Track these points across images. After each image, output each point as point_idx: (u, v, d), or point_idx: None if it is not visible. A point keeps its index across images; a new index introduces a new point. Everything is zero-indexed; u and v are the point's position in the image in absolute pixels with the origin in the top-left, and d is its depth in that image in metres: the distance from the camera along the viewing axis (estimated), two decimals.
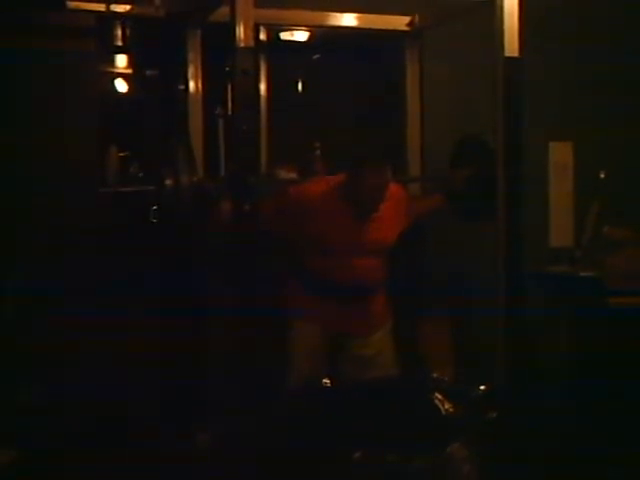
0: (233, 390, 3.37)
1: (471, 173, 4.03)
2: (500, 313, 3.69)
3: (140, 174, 4.76)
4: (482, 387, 3.34)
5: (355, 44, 4.89)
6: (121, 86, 5.17)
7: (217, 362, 4.01)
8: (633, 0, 4.75)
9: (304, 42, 5.04)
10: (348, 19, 4.35)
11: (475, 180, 4.00)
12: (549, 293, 4.31)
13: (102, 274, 3.96)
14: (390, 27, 4.45)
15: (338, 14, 4.34)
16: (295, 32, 4.96)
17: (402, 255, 3.93)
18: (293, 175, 4.63)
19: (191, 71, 4.17)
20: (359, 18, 4.36)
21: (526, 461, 3.44)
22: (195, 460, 3.52)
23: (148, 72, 5.26)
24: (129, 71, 5.20)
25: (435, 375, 3.55)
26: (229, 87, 4.57)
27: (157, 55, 5.09)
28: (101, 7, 3.99)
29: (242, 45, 3.28)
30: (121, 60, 5.16)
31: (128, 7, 4.09)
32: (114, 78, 5.14)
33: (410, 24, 4.42)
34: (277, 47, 4.98)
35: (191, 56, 4.16)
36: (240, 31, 3.27)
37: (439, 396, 3.21)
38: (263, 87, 4.95)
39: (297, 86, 5.35)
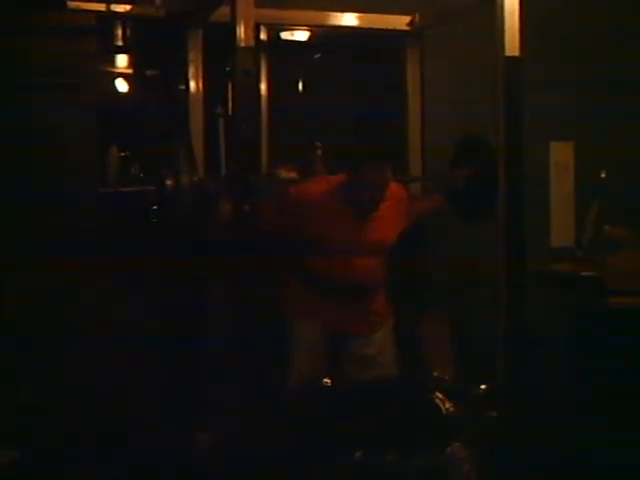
0: (233, 390, 3.37)
1: (471, 173, 4.03)
2: (501, 312, 3.69)
3: (141, 174, 4.75)
4: (482, 386, 3.35)
5: (355, 44, 4.89)
6: (121, 86, 5.18)
7: (217, 361, 4.00)
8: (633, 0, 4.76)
9: (305, 42, 5.04)
10: (349, 19, 4.36)
11: (476, 180, 4.00)
12: (550, 293, 4.31)
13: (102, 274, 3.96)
14: (390, 27, 4.46)
15: (339, 14, 4.35)
16: (296, 32, 4.96)
17: (402, 255, 3.94)
18: (294, 175, 4.62)
19: (192, 71, 4.17)
20: (359, 18, 4.37)
21: (526, 461, 3.44)
22: (195, 460, 3.52)
23: (149, 72, 5.26)
24: (130, 71, 5.20)
25: (435, 374, 3.55)
26: (230, 87, 4.56)
27: (158, 55, 5.09)
28: (101, 7, 3.98)
29: (243, 45, 3.27)
30: (122, 60, 5.16)
31: (128, 7, 4.09)
32: (114, 78, 5.14)
33: (410, 24, 4.43)
34: (278, 47, 4.98)
35: (192, 56, 4.17)
36: (241, 31, 3.27)
37: (440, 395, 3.22)
38: (264, 87, 4.95)
39: (298, 86, 5.35)
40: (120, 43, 5.03)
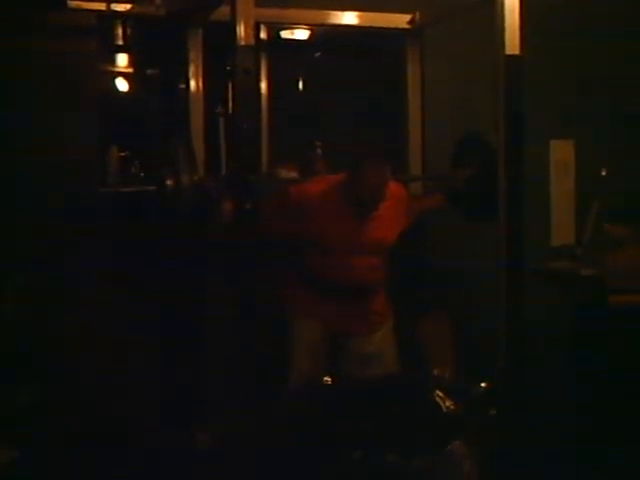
0: (233, 390, 3.38)
1: (472, 173, 4.03)
2: (501, 311, 3.69)
3: (141, 174, 4.75)
4: (482, 384, 3.34)
5: (356, 42, 4.88)
6: (122, 85, 5.18)
7: (217, 361, 4.01)
8: None
9: (305, 40, 5.03)
10: (349, 17, 4.35)
11: (476, 180, 4.00)
12: (550, 291, 4.31)
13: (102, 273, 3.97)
14: (391, 25, 4.45)
15: (339, 12, 4.34)
16: (296, 30, 4.95)
17: (402, 254, 3.94)
18: (294, 174, 4.62)
19: (192, 70, 4.17)
20: (360, 16, 4.36)
21: (526, 459, 3.44)
22: (195, 460, 3.52)
23: (149, 71, 5.26)
24: (130, 70, 5.20)
25: (436, 373, 3.55)
26: (230, 86, 4.56)
27: (158, 54, 5.09)
28: (102, 6, 3.98)
29: (243, 44, 3.28)
30: (122, 59, 5.16)
31: (129, 6, 4.09)
32: (115, 77, 5.14)
33: (411, 22, 4.42)
34: (278, 46, 4.97)
35: (192, 55, 4.17)
36: (241, 30, 3.27)
37: (440, 394, 3.21)
38: (264, 86, 4.94)
39: (298, 84, 5.35)
40: (120, 42, 5.04)
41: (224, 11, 3.51)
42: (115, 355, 3.91)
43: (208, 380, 4.04)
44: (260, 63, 4.83)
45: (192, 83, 4.18)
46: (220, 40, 3.58)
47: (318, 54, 5.33)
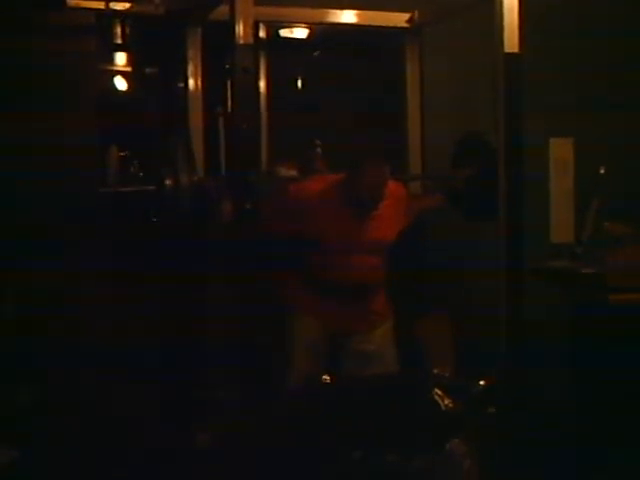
0: (233, 390, 3.38)
1: (472, 172, 4.03)
2: (500, 309, 3.69)
3: (140, 173, 4.75)
4: (482, 383, 3.34)
5: (355, 41, 4.88)
6: (121, 84, 5.17)
7: (217, 361, 4.01)
8: None
9: (304, 39, 5.03)
10: (348, 16, 4.36)
11: (476, 180, 4.00)
12: (549, 289, 4.31)
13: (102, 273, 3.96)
14: (390, 24, 4.46)
15: (338, 11, 4.35)
16: (295, 29, 4.95)
17: (402, 253, 3.93)
18: (293, 173, 4.61)
19: (191, 69, 4.17)
20: (358, 15, 4.37)
21: (526, 458, 3.44)
22: (195, 460, 3.52)
23: (148, 70, 5.26)
24: (129, 69, 5.20)
25: (435, 371, 3.55)
26: (229, 85, 4.56)
27: (157, 53, 5.09)
28: (100, 5, 3.98)
29: (242, 42, 3.28)
30: (121, 58, 5.16)
31: (128, 5, 4.09)
32: (114, 76, 5.13)
33: (410, 21, 4.42)
34: (277, 44, 4.97)
35: (191, 54, 4.17)
36: (240, 28, 3.27)
37: (439, 392, 3.21)
38: (263, 84, 4.94)
39: (297, 83, 5.35)
40: (119, 41, 5.03)
41: (223, 10, 3.52)
42: (115, 355, 3.90)
43: (208, 380, 4.04)
44: (259, 62, 4.82)
45: (191, 82, 4.18)
46: (219, 39, 3.58)
47: (317, 53, 5.33)
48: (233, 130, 3.58)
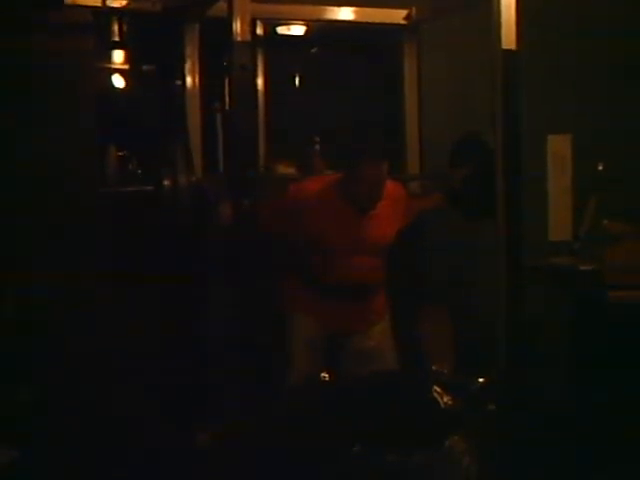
0: (233, 390, 3.38)
1: (470, 172, 4.02)
2: (500, 306, 3.69)
3: (139, 171, 4.75)
4: (481, 380, 3.35)
5: (352, 38, 4.88)
6: (118, 82, 5.16)
7: (217, 361, 4.01)
8: None
9: (301, 36, 5.04)
10: (345, 13, 4.35)
11: (474, 179, 3.99)
12: (548, 287, 4.31)
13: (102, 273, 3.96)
14: (387, 21, 4.45)
15: (335, 8, 4.34)
16: (292, 26, 4.96)
17: (401, 253, 3.93)
18: (292, 170, 4.62)
19: (188, 66, 4.16)
20: (356, 12, 4.36)
21: (525, 456, 3.44)
22: (195, 460, 3.52)
23: (145, 67, 5.25)
24: (126, 67, 5.19)
25: (434, 368, 3.55)
26: (227, 82, 4.56)
27: (154, 50, 5.08)
28: (97, 2, 3.96)
29: (239, 40, 3.28)
30: (118, 56, 5.15)
31: (125, 2, 4.08)
32: (111, 74, 5.13)
33: (407, 18, 4.42)
34: (274, 41, 4.97)
35: (188, 51, 4.16)
36: (237, 26, 3.28)
37: (438, 389, 3.21)
38: (260, 82, 4.93)
39: (295, 80, 5.34)
40: (117, 39, 5.02)
41: (220, 7, 3.51)
42: (115, 355, 3.90)
43: (208, 380, 4.04)
44: (257, 59, 4.82)
45: (189, 79, 4.16)
46: (217, 36, 3.57)
47: (314, 50, 5.33)
48: (231, 127, 3.58)
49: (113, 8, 4.06)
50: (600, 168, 4.35)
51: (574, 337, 4.16)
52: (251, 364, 3.32)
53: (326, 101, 5.16)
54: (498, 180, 3.65)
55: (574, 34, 4.67)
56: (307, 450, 3.01)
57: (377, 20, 4.45)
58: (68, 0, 3.88)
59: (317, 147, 4.81)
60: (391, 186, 3.75)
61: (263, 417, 3.15)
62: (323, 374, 3.55)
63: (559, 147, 4.53)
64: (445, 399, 3.18)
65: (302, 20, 4.77)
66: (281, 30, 4.96)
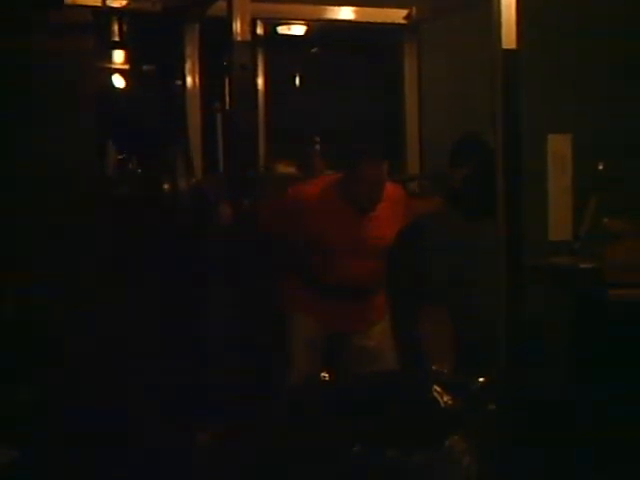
0: (233, 390, 3.37)
1: (470, 172, 4.02)
2: (500, 306, 3.69)
3: (139, 171, 4.74)
4: (481, 379, 3.35)
5: (352, 38, 4.88)
6: (118, 82, 5.16)
7: (217, 361, 4.01)
8: None
9: (301, 36, 5.03)
10: (345, 12, 4.35)
11: (474, 180, 3.99)
12: (548, 285, 4.31)
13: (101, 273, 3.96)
14: (387, 20, 4.44)
15: (335, 7, 4.34)
16: (292, 26, 4.95)
17: (401, 253, 3.93)
18: (292, 169, 4.62)
19: (188, 66, 4.16)
20: (356, 11, 4.35)
21: (525, 456, 3.44)
22: (195, 460, 3.52)
23: (145, 67, 5.25)
24: (126, 67, 5.18)
25: (434, 368, 3.55)
26: (227, 82, 4.56)
27: (154, 50, 5.08)
28: (97, 2, 3.96)
29: (239, 39, 3.28)
30: (118, 56, 5.15)
31: (125, 2, 4.08)
32: (111, 74, 5.12)
33: (407, 17, 4.41)
34: (274, 41, 4.97)
35: (188, 51, 4.16)
36: (237, 25, 3.27)
37: (438, 389, 3.22)
38: (261, 81, 4.93)
39: (295, 80, 5.34)
40: (117, 39, 5.02)
41: (220, 6, 3.50)
42: (115, 355, 3.90)
43: (208, 380, 4.04)
44: (257, 59, 4.82)
45: (189, 79, 4.16)
46: (217, 36, 3.57)
47: (315, 49, 5.33)
48: (231, 127, 3.57)
49: (113, 8, 4.06)
50: (600, 168, 4.35)
51: (574, 336, 4.16)
52: (251, 364, 3.31)
53: (326, 101, 5.15)
54: (498, 180, 3.65)
55: (574, 34, 4.68)
56: (307, 450, 3.02)
57: (377, 20, 4.45)
58: (68, 0, 3.89)
59: (317, 147, 4.81)
60: (391, 187, 3.74)
61: (263, 417, 3.15)
62: (323, 374, 3.56)
63: (559, 147, 4.54)
64: (445, 399, 3.19)
65: (302, 20, 4.76)
66: (281, 30, 4.95)
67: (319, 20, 4.59)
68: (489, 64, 3.67)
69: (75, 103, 3.91)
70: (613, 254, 4.04)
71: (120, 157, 4.62)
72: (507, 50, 3.62)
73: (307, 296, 3.79)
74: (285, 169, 4.58)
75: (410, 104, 4.50)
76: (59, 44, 3.84)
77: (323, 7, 4.35)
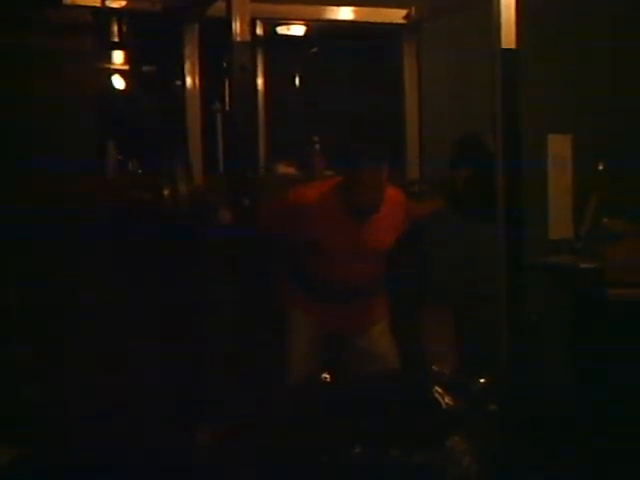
0: (233, 389, 3.37)
1: (470, 174, 4.02)
2: (500, 306, 3.69)
3: (139, 171, 4.74)
4: (482, 380, 3.35)
5: (352, 37, 4.88)
6: (118, 82, 5.16)
7: (217, 361, 4.00)
8: None
9: (301, 36, 5.04)
10: (345, 12, 4.34)
11: (475, 181, 3.99)
12: (549, 285, 4.31)
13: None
14: (387, 20, 4.44)
15: (335, 8, 4.33)
16: (292, 26, 4.96)
17: (401, 254, 3.92)
18: (292, 170, 4.62)
19: (188, 66, 4.15)
20: (356, 11, 4.35)
21: (525, 456, 3.44)
22: (195, 460, 3.52)
23: (145, 68, 5.25)
24: (126, 67, 5.19)
25: (435, 368, 3.55)
26: (226, 82, 4.55)
27: (154, 51, 5.08)
28: (97, 2, 3.96)
29: (239, 40, 3.27)
30: (118, 56, 5.15)
31: (124, 2, 4.08)
32: (111, 74, 5.12)
33: (407, 17, 4.41)
34: (274, 42, 4.97)
35: (188, 51, 4.15)
36: (237, 26, 3.26)
37: (439, 389, 3.22)
38: (260, 82, 4.94)
39: (294, 80, 5.35)
40: (116, 39, 5.02)
41: (220, 7, 3.50)
42: (115, 356, 3.90)
43: (208, 380, 4.04)
44: (256, 59, 4.83)
45: (188, 80, 4.16)
46: (217, 36, 3.57)
47: (314, 50, 5.33)
48: (231, 127, 3.57)
49: (113, 8, 4.06)
50: (600, 168, 4.35)
51: (574, 336, 4.16)
52: (251, 364, 3.31)
53: (326, 101, 5.16)
54: (498, 180, 3.65)
55: (574, 34, 4.68)
56: (307, 450, 3.02)
57: (377, 20, 4.44)
58: (67, 0, 3.88)
59: (317, 147, 4.80)
60: (391, 192, 3.73)
61: (263, 417, 3.14)
62: (323, 374, 3.55)
63: (559, 147, 4.53)
64: (446, 399, 3.19)
65: (302, 20, 4.77)
66: (281, 30, 4.96)
67: (319, 20, 4.59)
68: (489, 64, 3.67)
69: (75, 103, 3.91)
70: (613, 254, 4.04)
71: (120, 156, 4.62)
72: (507, 50, 3.61)
73: (306, 297, 3.79)
74: (285, 169, 4.59)
75: (410, 104, 4.50)
76: (58, 44, 3.84)
77: (323, 7, 4.35)
